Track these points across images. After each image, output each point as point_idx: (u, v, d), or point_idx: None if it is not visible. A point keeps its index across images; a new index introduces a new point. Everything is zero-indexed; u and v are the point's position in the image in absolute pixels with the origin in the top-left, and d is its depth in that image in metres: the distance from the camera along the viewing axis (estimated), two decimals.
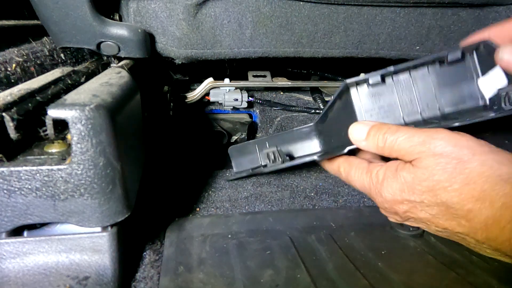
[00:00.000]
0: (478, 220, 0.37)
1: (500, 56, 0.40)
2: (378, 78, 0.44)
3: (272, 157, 0.52)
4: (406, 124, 0.45)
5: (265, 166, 0.53)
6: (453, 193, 0.38)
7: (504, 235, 0.36)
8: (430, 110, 0.45)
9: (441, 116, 0.45)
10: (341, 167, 0.49)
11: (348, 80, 0.44)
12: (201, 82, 0.73)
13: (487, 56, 0.42)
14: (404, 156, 0.42)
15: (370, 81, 0.44)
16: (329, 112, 0.52)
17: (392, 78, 0.45)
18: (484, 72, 0.43)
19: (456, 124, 0.41)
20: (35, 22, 0.50)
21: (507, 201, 0.36)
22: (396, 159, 0.43)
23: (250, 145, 0.59)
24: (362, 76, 0.45)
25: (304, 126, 0.57)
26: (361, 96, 0.46)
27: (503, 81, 0.41)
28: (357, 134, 0.46)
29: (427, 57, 0.43)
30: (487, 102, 0.43)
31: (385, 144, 0.43)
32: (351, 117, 0.46)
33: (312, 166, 0.69)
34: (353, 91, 0.46)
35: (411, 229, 0.48)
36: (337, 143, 0.50)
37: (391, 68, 0.44)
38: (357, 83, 0.45)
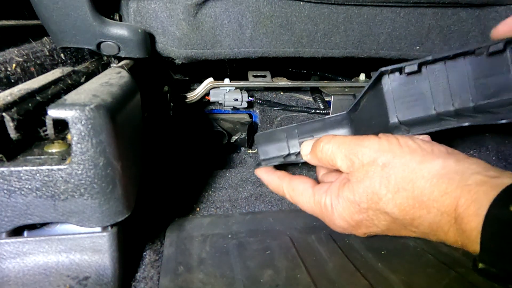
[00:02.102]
0: (424, 227, 0.37)
1: None
2: (415, 67, 0.43)
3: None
4: (438, 115, 0.45)
5: (298, 154, 0.51)
6: (390, 204, 0.38)
7: (451, 238, 0.36)
8: (463, 101, 0.44)
9: (474, 108, 0.44)
10: (286, 192, 0.49)
11: (383, 68, 0.44)
12: (201, 82, 0.73)
13: None
14: (342, 168, 0.42)
15: (406, 70, 0.44)
16: (361, 100, 0.51)
17: (427, 67, 0.45)
18: None
19: (466, 124, 0.40)
20: (35, 22, 0.50)
21: (439, 206, 0.35)
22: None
23: (278, 132, 0.56)
24: (397, 65, 0.44)
25: (337, 114, 0.55)
26: (393, 84, 0.45)
27: None
28: (305, 149, 0.48)
29: (466, 47, 0.43)
30: None
31: (322, 154, 0.44)
32: (382, 106, 0.46)
33: (312, 166, 0.69)
34: (385, 79, 0.45)
35: None
36: (366, 132, 0.49)
37: (429, 57, 0.43)
38: (392, 71, 0.45)
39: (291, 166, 0.67)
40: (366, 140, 0.41)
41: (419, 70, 0.44)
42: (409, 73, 0.44)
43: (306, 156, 0.48)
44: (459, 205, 0.34)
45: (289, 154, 0.56)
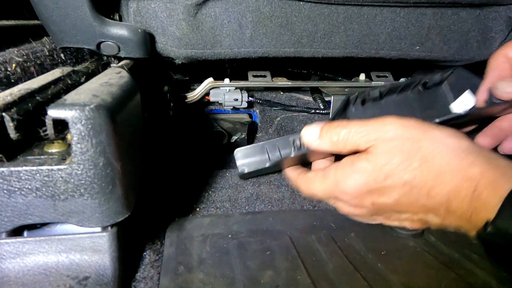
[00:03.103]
0: (441, 197, 0.38)
1: (501, 91, 0.44)
2: (377, 94, 0.47)
3: (297, 143, 0.50)
4: None
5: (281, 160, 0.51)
6: (415, 172, 0.39)
7: (462, 208, 0.37)
8: None
9: None
10: (300, 184, 0.48)
11: (351, 96, 0.48)
12: (201, 82, 0.73)
13: (458, 82, 0.48)
14: (359, 146, 0.42)
15: (369, 97, 0.48)
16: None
17: (384, 98, 0.50)
18: (456, 96, 0.48)
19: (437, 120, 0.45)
20: (35, 22, 0.50)
21: (465, 174, 0.37)
22: (349, 155, 0.44)
23: (259, 147, 0.53)
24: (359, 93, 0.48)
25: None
26: (356, 111, 0.49)
27: (471, 103, 0.46)
28: (309, 135, 0.45)
29: (409, 81, 0.49)
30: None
31: (339, 137, 0.43)
32: None
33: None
34: (350, 106, 0.49)
35: (410, 228, 0.48)
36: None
37: (377, 93, 0.48)
38: (356, 99, 0.48)
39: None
40: (389, 119, 0.42)
41: (380, 98, 0.49)
42: (372, 101, 0.48)
43: (313, 142, 0.45)
44: (485, 176, 0.35)
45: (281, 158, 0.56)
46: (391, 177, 0.40)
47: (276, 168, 0.53)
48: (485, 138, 0.50)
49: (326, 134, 0.44)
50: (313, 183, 0.46)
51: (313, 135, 0.45)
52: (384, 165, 0.40)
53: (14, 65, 0.41)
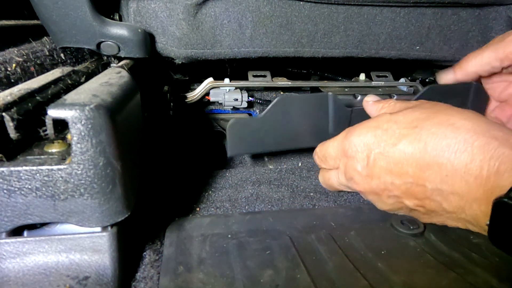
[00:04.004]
0: (454, 163, 0.38)
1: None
2: None
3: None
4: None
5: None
6: (418, 144, 0.41)
7: (473, 187, 0.37)
8: None
9: None
10: (317, 147, 0.56)
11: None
12: (201, 82, 0.73)
13: None
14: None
15: None
16: None
17: None
18: None
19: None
20: (35, 22, 0.50)
21: (482, 144, 0.37)
22: None
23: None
24: None
25: None
26: None
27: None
28: (370, 97, 0.56)
29: None
30: None
31: (390, 105, 0.52)
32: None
33: (312, 166, 0.69)
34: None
35: (411, 227, 0.48)
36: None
37: None
38: None
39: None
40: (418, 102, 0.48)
41: None
42: None
43: (369, 102, 0.55)
44: (497, 155, 0.35)
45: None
46: (394, 137, 0.43)
47: None
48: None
49: (381, 103, 0.53)
50: (327, 143, 0.53)
51: (372, 98, 0.56)
52: (393, 123, 0.44)
53: (14, 65, 0.41)
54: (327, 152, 0.53)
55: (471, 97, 0.60)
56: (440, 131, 0.40)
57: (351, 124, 0.51)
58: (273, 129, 0.55)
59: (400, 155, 0.42)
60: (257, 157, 0.76)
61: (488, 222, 0.34)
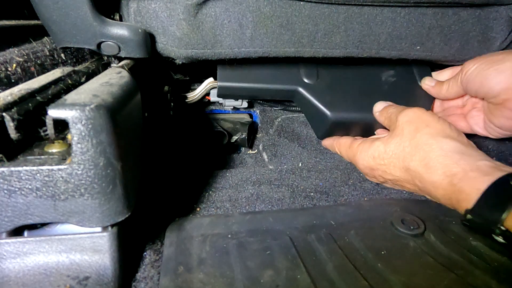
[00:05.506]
0: (427, 182, 0.48)
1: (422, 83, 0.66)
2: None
3: None
4: None
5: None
6: (414, 160, 0.50)
7: (444, 197, 0.46)
8: None
9: None
10: (335, 146, 0.66)
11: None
12: (201, 82, 0.73)
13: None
14: (390, 127, 0.58)
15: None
16: None
17: None
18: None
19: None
20: (36, 22, 0.50)
21: (445, 171, 0.46)
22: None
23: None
24: None
25: None
26: None
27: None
28: (378, 107, 0.62)
29: None
30: None
31: (387, 113, 0.59)
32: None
33: (312, 166, 0.69)
34: None
35: (411, 228, 0.48)
36: None
37: None
38: None
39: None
40: (411, 108, 0.55)
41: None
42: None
43: (376, 113, 0.62)
44: (467, 175, 0.43)
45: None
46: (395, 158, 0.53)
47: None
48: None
49: (386, 109, 0.60)
50: (342, 145, 0.64)
51: (379, 107, 0.62)
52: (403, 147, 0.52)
53: (14, 65, 0.41)
54: (339, 152, 0.66)
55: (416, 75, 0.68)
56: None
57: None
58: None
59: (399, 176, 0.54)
60: (257, 157, 0.76)
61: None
